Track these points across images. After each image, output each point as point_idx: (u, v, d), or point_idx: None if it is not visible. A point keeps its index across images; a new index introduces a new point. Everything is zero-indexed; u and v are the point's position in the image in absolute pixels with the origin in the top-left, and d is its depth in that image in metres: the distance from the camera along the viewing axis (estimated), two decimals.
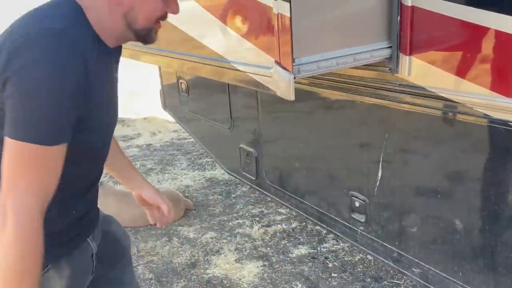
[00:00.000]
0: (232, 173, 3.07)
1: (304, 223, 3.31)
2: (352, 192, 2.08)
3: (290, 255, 2.91)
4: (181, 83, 3.43)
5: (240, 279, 2.70)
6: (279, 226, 3.29)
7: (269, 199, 3.76)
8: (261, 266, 2.81)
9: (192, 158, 4.93)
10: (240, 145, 2.84)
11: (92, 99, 0.98)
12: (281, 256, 2.89)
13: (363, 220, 2.05)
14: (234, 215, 3.52)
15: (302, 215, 3.40)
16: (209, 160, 4.83)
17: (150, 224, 3.41)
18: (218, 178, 4.29)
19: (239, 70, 1.75)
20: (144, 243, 3.18)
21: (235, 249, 3.02)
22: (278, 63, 1.49)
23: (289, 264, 2.80)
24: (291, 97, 1.45)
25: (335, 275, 2.67)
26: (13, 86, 0.89)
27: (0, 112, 0.92)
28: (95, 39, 1.00)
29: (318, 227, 3.23)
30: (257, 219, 3.42)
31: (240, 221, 3.41)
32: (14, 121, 0.90)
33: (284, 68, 1.46)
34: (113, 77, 1.15)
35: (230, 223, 3.39)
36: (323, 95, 2.15)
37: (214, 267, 2.82)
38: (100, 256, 1.28)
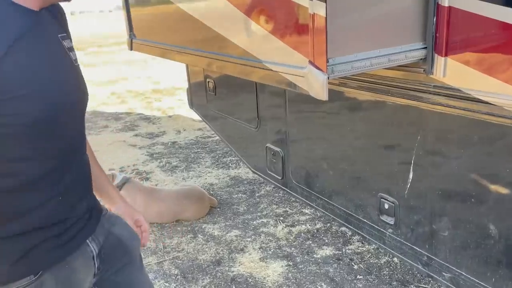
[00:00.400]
0: (258, 172, 3.08)
1: (328, 224, 3.29)
2: (381, 194, 2.06)
3: (314, 255, 2.90)
4: (208, 82, 3.46)
5: (264, 278, 2.71)
6: (303, 226, 3.29)
7: (293, 199, 3.76)
8: (286, 265, 2.81)
9: (216, 157, 4.97)
10: (267, 145, 2.85)
11: (15, 65, 0.93)
12: (305, 257, 2.89)
13: (392, 222, 2.03)
14: (258, 214, 3.53)
15: (327, 216, 3.39)
16: (233, 158, 4.86)
17: (176, 221, 3.46)
18: (242, 177, 4.32)
19: (270, 70, 1.75)
20: (169, 239, 3.22)
21: (259, 248, 3.03)
22: (311, 63, 1.49)
23: (313, 265, 2.80)
24: (325, 97, 1.45)
25: (361, 277, 2.65)
26: None
27: None
28: (16, 8, 0.97)
29: (343, 229, 3.22)
30: (281, 218, 3.42)
31: (264, 220, 3.42)
32: None
33: (318, 68, 1.46)
34: (54, 40, 1.08)
35: (254, 222, 3.40)
36: (352, 95, 2.14)
37: (239, 265, 2.84)
38: (103, 258, 1.24)
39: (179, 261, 2.93)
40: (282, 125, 2.65)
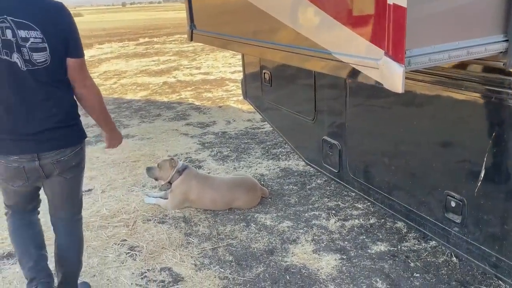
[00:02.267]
0: (312, 164, 3.07)
1: (383, 220, 3.24)
2: (447, 191, 2.01)
3: (369, 250, 2.87)
4: (264, 73, 3.48)
5: (318, 270, 2.71)
6: (356, 221, 3.25)
7: (345, 193, 3.73)
8: (339, 259, 2.80)
9: (266, 148, 5.00)
10: (323, 137, 2.84)
11: None
12: (359, 251, 2.86)
13: (458, 220, 1.97)
14: (310, 206, 3.53)
15: (381, 212, 3.34)
16: (283, 150, 4.88)
17: (229, 209, 3.53)
18: (292, 169, 4.32)
19: (340, 61, 1.74)
20: (223, 226, 3.29)
21: (312, 240, 3.03)
22: (387, 54, 1.47)
23: (368, 260, 2.77)
24: (401, 89, 1.42)
25: (418, 275, 2.59)
26: None
27: None
28: None
29: (398, 225, 3.16)
30: (333, 212, 3.40)
31: (316, 213, 3.42)
32: None
33: (395, 60, 1.43)
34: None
35: (306, 214, 3.40)
36: (420, 87, 2.08)
37: (292, 256, 2.86)
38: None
39: (232, 248, 2.99)
40: (341, 117, 2.63)
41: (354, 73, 1.67)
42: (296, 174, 4.20)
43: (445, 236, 2.07)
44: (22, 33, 1.82)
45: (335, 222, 3.24)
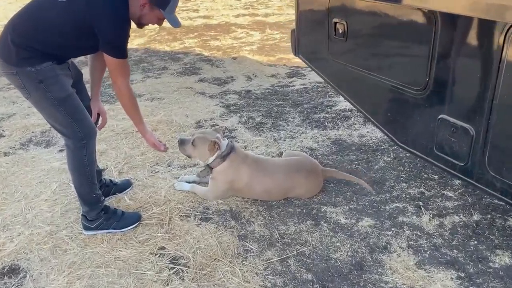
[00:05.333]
0: (410, 149, 2.32)
1: (488, 216, 2.56)
2: None
3: (490, 264, 2.20)
4: (336, 24, 2.61)
5: None
6: (455, 217, 2.57)
7: (425, 175, 3.02)
8: (456, 277, 2.13)
9: (305, 112, 4.21)
10: (441, 116, 2.06)
11: None
12: (479, 265, 2.20)
13: None
14: (387, 195, 2.82)
15: (481, 202, 2.66)
16: (327, 116, 4.10)
17: (285, 199, 2.80)
18: (346, 141, 3.57)
19: None
20: (283, 224, 2.57)
21: (408, 247, 2.35)
22: None
23: (496, 280, 2.10)
24: None
25: None
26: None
27: None
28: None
29: (510, 223, 2.49)
30: (420, 203, 2.71)
31: (399, 205, 2.71)
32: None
33: None
34: None
35: (387, 207, 2.70)
36: None
37: (391, 273, 2.18)
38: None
39: (307, 260, 2.29)
40: (482, 91, 1.85)
41: None
42: (353, 148, 3.46)
43: None
44: None
45: (429, 220, 2.55)
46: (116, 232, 2.51)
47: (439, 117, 2.09)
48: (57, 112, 2.19)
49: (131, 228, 2.54)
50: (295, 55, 3.19)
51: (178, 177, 3.07)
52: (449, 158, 2.09)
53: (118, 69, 2.18)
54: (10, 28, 2.09)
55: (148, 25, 2.33)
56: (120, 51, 2.13)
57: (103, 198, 2.55)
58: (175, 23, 2.21)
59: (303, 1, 2.94)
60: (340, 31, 2.61)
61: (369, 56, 2.46)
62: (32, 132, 3.92)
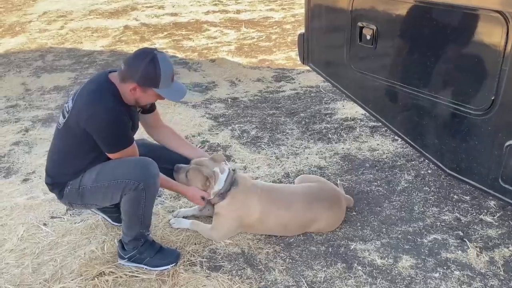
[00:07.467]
0: (466, 179, 1.96)
1: None
2: None
3: None
4: (362, 28, 2.21)
5: None
6: (505, 249, 2.24)
7: (455, 196, 2.69)
8: None
9: (303, 122, 3.80)
10: (508, 143, 1.71)
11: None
12: None
13: None
14: (420, 223, 2.46)
15: None
16: (327, 126, 3.71)
17: (302, 234, 2.39)
18: (357, 156, 3.19)
19: None
20: (310, 270, 2.15)
21: None
22: None
23: None
24: None
25: None
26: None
27: None
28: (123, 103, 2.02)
29: None
30: (460, 234, 2.36)
31: (437, 236, 2.36)
32: None
33: None
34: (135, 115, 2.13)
35: (424, 240, 2.34)
36: None
37: None
38: None
39: None
40: None
41: None
42: (367, 165, 3.08)
43: None
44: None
45: (477, 255, 2.20)
46: (149, 269, 2.17)
47: (508, 143, 1.73)
48: (99, 191, 2.08)
49: (165, 269, 2.14)
50: (303, 63, 2.76)
51: (173, 211, 2.59)
52: None
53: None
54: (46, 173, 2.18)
55: (152, 103, 2.22)
56: (116, 146, 2.03)
57: (149, 233, 2.23)
58: (175, 97, 2.05)
59: (316, 5, 2.51)
60: (368, 37, 2.21)
61: (408, 67, 2.08)
62: None
